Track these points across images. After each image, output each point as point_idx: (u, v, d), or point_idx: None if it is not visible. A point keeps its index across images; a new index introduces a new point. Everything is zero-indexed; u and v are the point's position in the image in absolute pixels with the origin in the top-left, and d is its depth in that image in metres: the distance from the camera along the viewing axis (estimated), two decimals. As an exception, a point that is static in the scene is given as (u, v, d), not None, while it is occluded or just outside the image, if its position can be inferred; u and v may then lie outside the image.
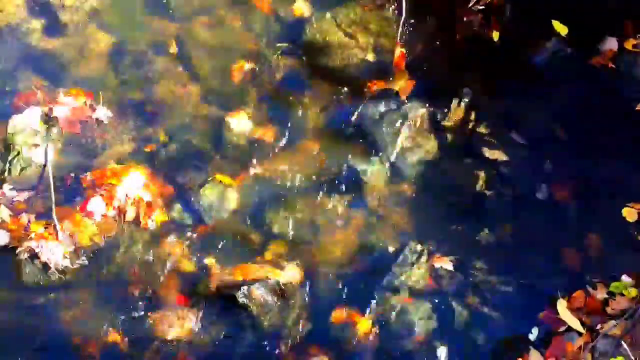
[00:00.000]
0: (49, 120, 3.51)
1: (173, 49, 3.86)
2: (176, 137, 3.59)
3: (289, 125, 3.62)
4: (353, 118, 3.62)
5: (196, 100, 3.72)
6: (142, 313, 3.13)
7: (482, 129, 3.56)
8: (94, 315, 3.15)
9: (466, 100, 3.60)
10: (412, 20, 3.77)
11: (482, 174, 3.45)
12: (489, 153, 3.49)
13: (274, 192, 3.45)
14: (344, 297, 3.18)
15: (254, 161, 3.53)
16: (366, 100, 3.64)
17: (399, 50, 3.70)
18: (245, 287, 3.11)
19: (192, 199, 3.41)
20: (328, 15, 3.86)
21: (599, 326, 2.82)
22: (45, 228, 3.20)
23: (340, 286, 3.21)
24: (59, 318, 3.14)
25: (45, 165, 3.38)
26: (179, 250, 3.29)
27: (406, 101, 3.63)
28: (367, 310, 3.14)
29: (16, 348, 3.08)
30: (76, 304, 3.17)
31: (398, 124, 3.57)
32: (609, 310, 2.85)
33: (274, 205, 3.42)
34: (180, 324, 3.11)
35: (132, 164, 3.47)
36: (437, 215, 3.38)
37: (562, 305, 2.89)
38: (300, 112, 3.65)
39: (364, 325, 3.10)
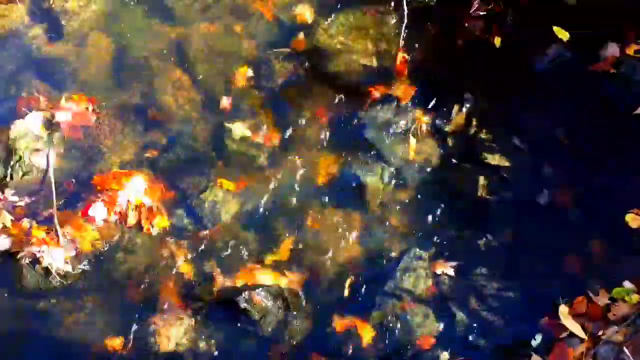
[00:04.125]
0: (51, 125, 3.52)
1: (174, 54, 3.87)
2: (178, 142, 3.60)
3: (291, 130, 3.62)
4: (354, 123, 3.62)
5: (198, 106, 3.72)
6: (143, 318, 3.13)
7: (483, 135, 3.56)
8: (95, 320, 3.15)
9: (467, 105, 3.60)
10: (414, 26, 3.77)
11: (483, 180, 3.44)
12: (490, 158, 3.48)
13: (276, 197, 3.45)
14: (346, 302, 3.18)
15: (255, 166, 3.53)
16: (367, 106, 3.65)
17: (401, 56, 3.70)
18: (247, 292, 3.11)
19: (194, 204, 3.42)
20: (330, 20, 3.87)
21: (600, 332, 2.81)
22: (47, 233, 3.21)
23: (342, 292, 3.21)
24: (60, 323, 3.14)
25: (47, 171, 3.38)
26: (180, 256, 3.29)
27: (407, 107, 3.63)
28: (369, 316, 3.13)
29: (17, 353, 3.08)
30: (77, 309, 3.17)
31: (399, 130, 3.57)
32: (610, 316, 2.85)
33: (275, 210, 3.42)
34: (181, 329, 3.11)
35: (133, 169, 3.48)
36: (438, 221, 3.37)
37: (563, 311, 2.89)
38: (301, 118, 3.66)
39: (366, 331, 3.10)
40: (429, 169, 3.52)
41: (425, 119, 3.59)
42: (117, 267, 3.27)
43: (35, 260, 3.18)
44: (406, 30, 3.73)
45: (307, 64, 3.81)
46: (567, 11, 3.59)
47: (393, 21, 3.86)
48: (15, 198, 3.32)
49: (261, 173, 3.52)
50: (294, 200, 3.44)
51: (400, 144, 3.55)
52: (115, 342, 3.08)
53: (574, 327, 2.84)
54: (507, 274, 3.21)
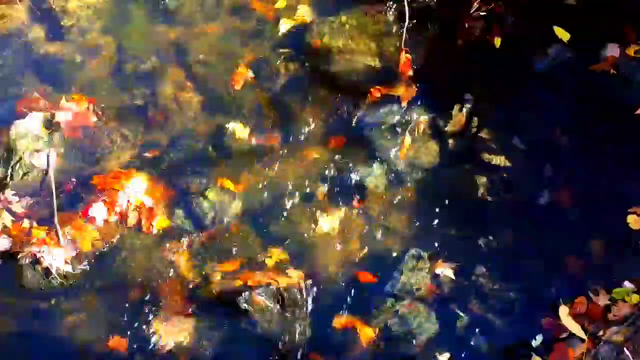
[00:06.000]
0: (51, 125, 3.52)
1: (175, 54, 3.87)
2: (178, 142, 3.60)
3: (291, 131, 3.62)
4: (355, 124, 3.62)
5: (198, 106, 3.72)
6: (144, 318, 3.13)
7: (483, 135, 3.56)
8: (96, 320, 3.15)
9: (468, 106, 3.60)
10: (414, 26, 3.77)
11: (483, 180, 3.44)
12: (490, 159, 3.49)
13: (276, 197, 3.45)
14: (346, 303, 3.18)
15: (256, 167, 3.53)
16: (368, 106, 3.65)
17: (404, 57, 3.68)
18: (247, 293, 3.11)
19: (194, 204, 3.41)
20: (330, 21, 3.87)
21: (601, 332, 2.81)
22: (47, 233, 3.21)
23: (342, 292, 3.21)
24: (60, 323, 3.14)
25: (47, 171, 3.38)
26: (181, 256, 3.29)
27: (408, 107, 3.63)
28: (369, 317, 3.13)
29: (17, 353, 3.08)
30: (77, 309, 3.17)
31: (400, 130, 3.57)
32: (610, 316, 2.85)
33: (275, 210, 3.42)
34: (181, 329, 3.11)
35: (134, 169, 3.48)
36: (438, 221, 3.37)
37: (564, 311, 2.88)
38: (302, 118, 3.66)
39: (366, 331, 3.09)
40: (429, 169, 3.52)
41: (426, 118, 3.59)
42: (117, 267, 3.26)
43: (36, 261, 3.18)
44: (407, 30, 3.73)
45: (307, 64, 3.81)
46: (567, 11, 3.59)
47: (393, 21, 3.86)
48: (16, 198, 3.32)
49: (261, 173, 3.52)
50: (294, 200, 3.44)
51: (400, 144, 3.54)
52: (115, 342, 3.07)
53: (574, 327, 2.84)
54: (507, 274, 3.21)
